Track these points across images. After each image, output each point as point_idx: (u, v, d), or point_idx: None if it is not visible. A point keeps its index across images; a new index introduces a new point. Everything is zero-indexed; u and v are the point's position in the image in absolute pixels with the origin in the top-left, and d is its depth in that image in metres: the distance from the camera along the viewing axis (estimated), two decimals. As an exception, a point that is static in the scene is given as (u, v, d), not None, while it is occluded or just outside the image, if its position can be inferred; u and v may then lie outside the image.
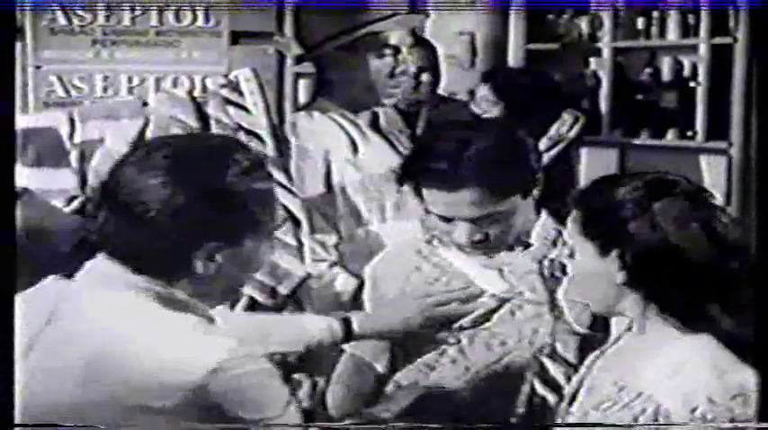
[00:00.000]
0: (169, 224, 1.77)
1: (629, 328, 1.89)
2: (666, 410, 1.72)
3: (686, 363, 1.74)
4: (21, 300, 1.85)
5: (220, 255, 1.82)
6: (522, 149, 2.39)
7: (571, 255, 1.89)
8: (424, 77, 3.17)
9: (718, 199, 1.86)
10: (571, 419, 1.89)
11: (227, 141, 1.99)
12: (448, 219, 2.36)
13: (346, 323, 2.29)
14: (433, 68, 3.25)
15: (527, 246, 2.42)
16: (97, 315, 1.77)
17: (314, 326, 2.26)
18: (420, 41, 3.21)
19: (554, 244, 2.39)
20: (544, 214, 2.46)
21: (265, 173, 1.90)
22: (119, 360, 1.71)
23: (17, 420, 1.74)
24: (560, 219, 2.28)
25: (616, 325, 2.18)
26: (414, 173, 2.37)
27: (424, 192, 2.35)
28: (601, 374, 1.88)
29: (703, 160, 4.48)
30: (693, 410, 1.70)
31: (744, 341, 1.77)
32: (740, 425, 1.69)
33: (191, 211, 1.78)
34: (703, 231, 1.78)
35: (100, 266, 1.83)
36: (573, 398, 1.91)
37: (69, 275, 1.87)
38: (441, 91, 3.43)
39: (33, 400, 1.74)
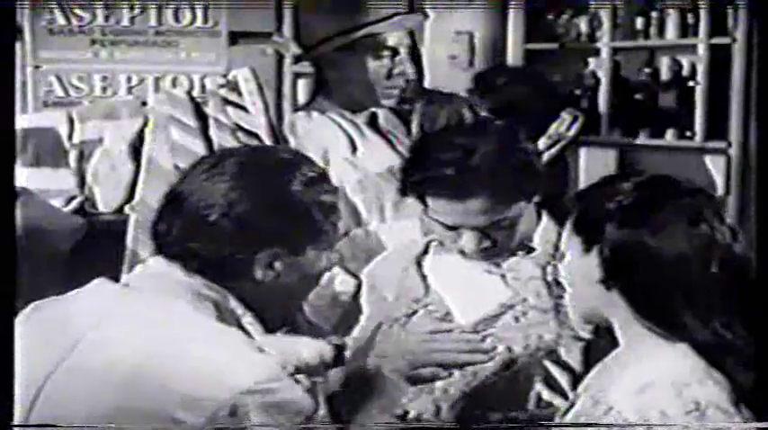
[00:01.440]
0: (231, 228, 1.80)
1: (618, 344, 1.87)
2: (632, 426, 1.71)
3: (653, 378, 1.72)
4: (65, 303, 1.86)
5: (280, 262, 1.84)
6: (525, 152, 2.37)
7: (562, 256, 1.88)
8: (412, 74, 3.16)
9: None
10: None
11: (294, 155, 2.02)
12: (452, 228, 2.34)
13: (339, 349, 2.29)
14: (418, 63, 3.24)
15: (530, 250, 2.41)
16: (149, 319, 1.77)
17: (306, 350, 2.25)
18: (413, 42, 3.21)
19: (556, 247, 2.38)
20: (545, 217, 2.45)
21: (331, 186, 1.93)
22: (162, 367, 1.71)
23: (32, 418, 1.74)
24: (560, 221, 2.27)
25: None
26: (418, 182, 2.34)
27: (429, 201, 2.32)
28: (590, 388, 1.87)
29: (707, 160, 4.48)
30: (649, 428, 1.69)
31: (723, 348, 1.75)
32: (741, 425, 1.68)
33: (253, 217, 1.81)
34: (688, 234, 1.74)
35: (157, 268, 1.85)
36: (569, 409, 1.90)
37: (115, 279, 1.89)
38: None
39: (65, 402, 1.73)
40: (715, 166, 4.45)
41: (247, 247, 1.82)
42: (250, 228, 1.81)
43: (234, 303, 1.84)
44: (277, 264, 1.84)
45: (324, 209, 1.88)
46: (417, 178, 2.34)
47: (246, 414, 1.69)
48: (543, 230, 2.43)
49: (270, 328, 1.92)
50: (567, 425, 1.85)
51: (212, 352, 1.74)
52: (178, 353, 1.73)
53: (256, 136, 3.14)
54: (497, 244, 2.34)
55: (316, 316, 2.99)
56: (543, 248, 2.40)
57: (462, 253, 2.38)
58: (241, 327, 1.84)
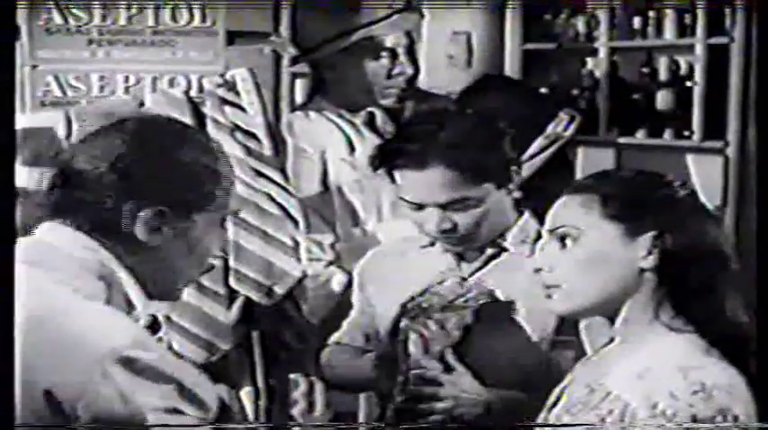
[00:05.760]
0: (116, 180, 1.79)
1: (612, 339, 1.86)
2: (633, 409, 1.70)
3: (656, 363, 1.72)
4: None
5: (167, 227, 1.81)
6: (498, 137, 2.39)
7: (574, 239, 1.83)
8: (409, 72, 3.16)
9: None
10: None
11: (193, 127, 2.09)
12: (420, 207, 2.35)
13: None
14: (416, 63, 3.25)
15: (502, 250, 2.41)
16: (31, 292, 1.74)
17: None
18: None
19: (534, 244, 2.37)
20: (527, 214, 2.45)
21: (224, 158, 1.91)
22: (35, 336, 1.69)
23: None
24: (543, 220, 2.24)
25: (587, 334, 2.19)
26: (387, 154, 2.38)
27: (398, 174, 2.35)
28: (578, 380, 1.86)
29: (690, 159, 4.48)
30: (654, 406, 1.68)
31: (738, 337, 1.77)
32: (741, 425, 1.68)
33: (139, 170, 1.80)
34: (719, 227, 1.83)
35: (48, 240, 1.82)
36: (554, 404, 1.89)
37: None
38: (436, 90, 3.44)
39: None
40: (713, 166, 4.45)
41: (131, 200, 1.79)
42: (135, 180, 1.80)
43: (120, 273, 1.81)
44: (165, 229, 1.81)
45: (215, 173, 1.86)
46: (385, 148, 2.38)
47: (114, 379, 1.65)
48: (520, 230, 2.42)
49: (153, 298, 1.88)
50: (562, 426, 1.84)
51: (76, 322, 1.71)
52: (48, 323, 1.70)
53: (254, 135, 3.14)
54: (458, 227, 2.35)
55: (313, 316, 3.00)
56: (518, 244, 2.40)
57: (430, 238, 2.40)
58: (126, 299, 1.82)
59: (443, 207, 2.33)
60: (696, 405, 1.66)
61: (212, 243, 1.90)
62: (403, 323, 2.33)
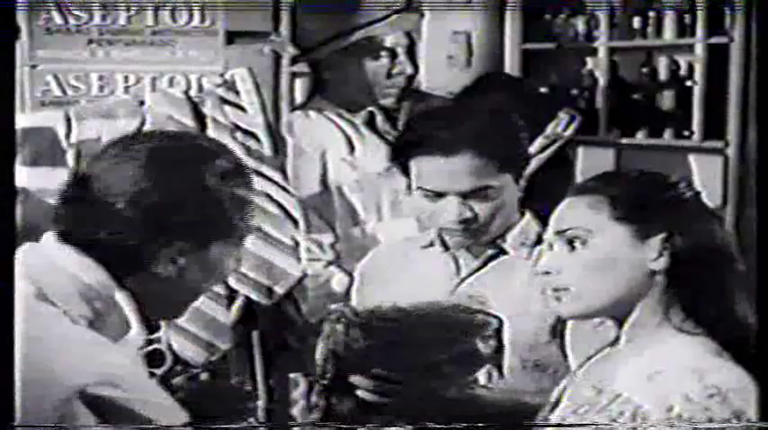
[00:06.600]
0: (138, 219, 1.70)
1: (617, 339, 1.86)
2: (645, 412, 1.69)
3: (668, 365, 1.71)
4: None
5: (184, 258, 1.74)
6: (516, 129, 2.40)
7: (583, 242, 1.82)
8: (408, 72, 3.17)
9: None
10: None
11: (211, 143, 1.91)
12: (439, 195, 2.33)
13: None
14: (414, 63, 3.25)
15: (500, 249, 2.40)
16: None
17: None
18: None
19: (533, 247, 2.37)
20: (528, 215, 2.44)
21: (247, 180, 1.83)
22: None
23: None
24: (544, 222, 2.24)
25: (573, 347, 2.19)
26: (410, 142, 2.36)
27: (418, 163, 2.33)
28: (583, 380, 1.85)
29: (693, 159, 4.48)
30: (670, 409, 1.67)
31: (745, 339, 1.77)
32: (742, 424, 1.68)
33: (163, 209, 1.71)
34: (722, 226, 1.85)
35: (51, 260, 1.73)
36: (555, 405, 1.88)
37: None
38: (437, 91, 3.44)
39: None
40: (713, 166, 4.45)
41: (153, 241, 1.71)
42: (158, 220, 1.71)
43: (119, 296, 1.72)
44: (181, 260, 1.74)
45: (237, 203, 1.78)
46: (407, 137, 2.37)
47: (78, 419, 1.59)
48: (521, 231, 2.42)
49: (153, 319, 1.82)
50: (563, 425, 1.84)
51: (52, 352, 1.64)
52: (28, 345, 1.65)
53: (254, 135, 3.14)
54: (479, 217, 2.34)
55: (313, 316, 3.00)
56: (517, 245, 2.40)
57: (441, 230, 2.39)
58: (122, 321, 1.74)
59: (465, 196, 2.32)
60: (712, 408, 1.65)
61: (229, 262, 1.82)
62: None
